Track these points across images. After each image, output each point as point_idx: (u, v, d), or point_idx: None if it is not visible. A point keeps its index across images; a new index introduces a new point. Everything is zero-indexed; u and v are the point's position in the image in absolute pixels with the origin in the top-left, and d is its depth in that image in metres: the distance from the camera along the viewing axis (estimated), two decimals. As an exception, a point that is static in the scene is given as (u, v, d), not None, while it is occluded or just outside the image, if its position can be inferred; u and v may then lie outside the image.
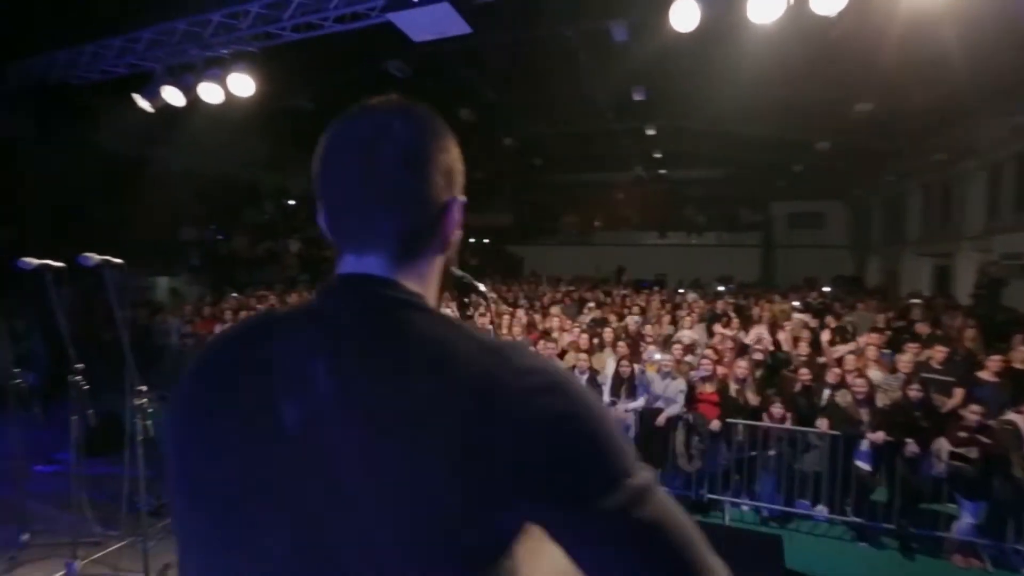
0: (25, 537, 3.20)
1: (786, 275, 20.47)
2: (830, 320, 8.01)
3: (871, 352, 5.68)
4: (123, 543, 3.35)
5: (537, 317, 8.77)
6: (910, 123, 11.92)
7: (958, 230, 13.22)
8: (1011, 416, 4.17)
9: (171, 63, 5.29)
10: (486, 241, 25.31)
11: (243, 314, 7.97)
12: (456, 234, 0.72)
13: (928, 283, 14.93)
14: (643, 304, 10.41)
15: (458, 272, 1.01)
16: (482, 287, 1.11)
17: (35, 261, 2.64)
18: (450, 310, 0.95)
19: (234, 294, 9.20)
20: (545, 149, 19.05)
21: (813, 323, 8.22)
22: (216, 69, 5.05)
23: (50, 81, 6.02)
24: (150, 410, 2.77)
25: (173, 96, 5.24)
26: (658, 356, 5.47)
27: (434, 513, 0.51)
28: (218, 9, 4.90)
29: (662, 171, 21.07)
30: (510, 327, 7.82)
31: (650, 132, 16.38)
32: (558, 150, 18.92)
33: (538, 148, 18.79)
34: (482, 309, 1.18)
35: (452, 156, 0.70)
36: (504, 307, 9.95)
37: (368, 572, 0.52)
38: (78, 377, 2.88)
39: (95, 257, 2.43)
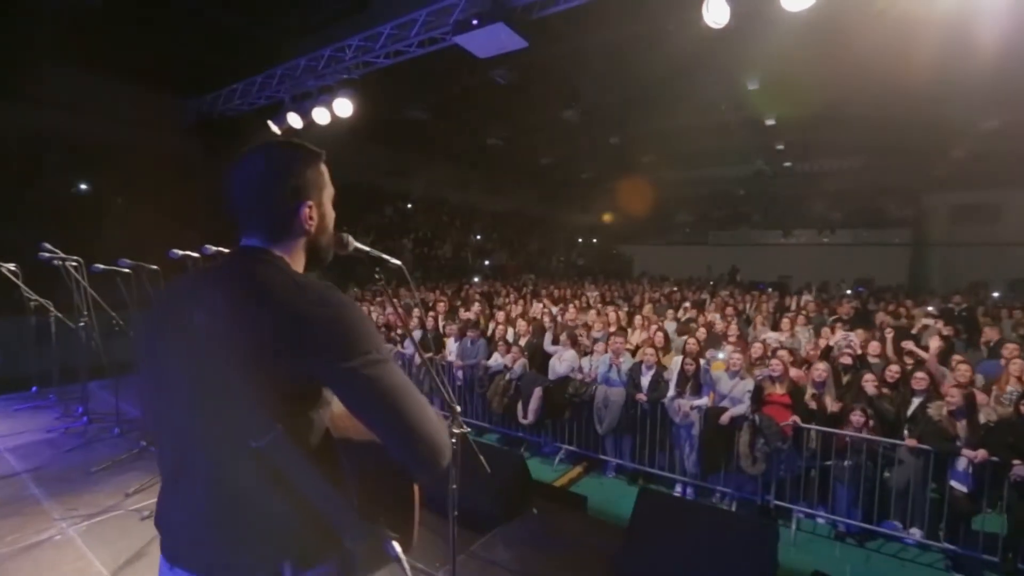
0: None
1: (945, 278, 17.54)
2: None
3: (1014, 366, 4.94)
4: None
5: (622, 314, 8.76)
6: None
7: None
8: None
9: (295, 93, 6.44)
10: (594, 241, 25.29)
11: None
12: (310, 224, 1.15)
13: None
14: (739, 306, 9.85)
15: (364, 248, 1.41)
16: (395, 261, 1.49)
17: (180, 252, 3.55)
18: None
19: (355, 288, 10.53)
20: (654, 146, 18.52)
21: (947, 331, 7.21)
22: (327, 95, 6.04)
23: (214, 114, 7.61)
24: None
25: (295, 121, 6.38)
26: (721, 355, 5.31)
27: (257, 369, 0.96)
28: (328, 45, 5.87)
29: (787, 163, 19.30)
30: (590, 324, 8.01)
31: (769, 122, 15.20)
32: (668, 147, 18.29)
33: (647, 145, 18.33)
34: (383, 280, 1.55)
35: (300, 177, 1.14)
36: (596, 305, 10.10)
37: (226, 401, 0.97)
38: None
39: (212, 248, 3.23)
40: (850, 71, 10.44)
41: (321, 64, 6.12)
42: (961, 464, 4.02)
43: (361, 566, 1.05)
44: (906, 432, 4.29)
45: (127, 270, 4.13)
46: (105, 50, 8.39)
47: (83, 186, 9.22)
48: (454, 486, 1.63)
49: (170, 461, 1.10)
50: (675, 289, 13.78)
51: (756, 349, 5.65)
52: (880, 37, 8.33)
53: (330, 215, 1.21)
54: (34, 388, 5.87)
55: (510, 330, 7.60)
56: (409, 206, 18.26)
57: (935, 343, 5.48)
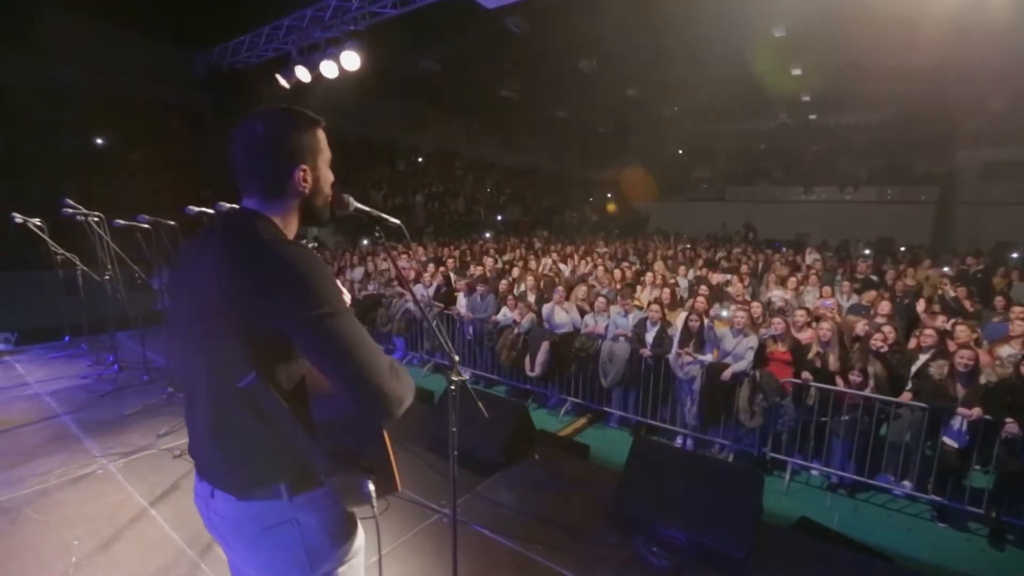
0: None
1: (971, 238, 17.05)
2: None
3: (1017, 327, 4.93)
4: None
5: (630, 272, 8.80)
6: None
7: None
8: None
9: (302, 45, 6.33)
10: (608, 196, 24.90)
11: (368, 259, 9.32)
12: (304, 186, 1.24)
13: None
14: (753, 264, 9.81)
15: (364, 208, 1.49)
16: (393, 220, 1.58)
17: (196, 209, 3.66)
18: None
19: (365, 242, 10.67)
20: (673, 99, 17.88)
21: (956, 292, 7.15)
22: (333, 48, 5.93)
23: (223, 67, 7.53)
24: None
25: (302, 74, 6.30)
26: (725, 313, 5.37)
27: (233, 320, 1.08)
28: (334, -5, 5.73)
29: (812, 116, 18.57)
30: (599, 281, 8.08)
31: (795, 72, 14.58)
32: (687, 99, 17.65)
33: (665, 98, 17.72)
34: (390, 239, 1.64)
35: (294, 142, 1.22)
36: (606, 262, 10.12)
37: (215, 347, 1.13)
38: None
39: (225, 205, 3.31)
40: (880, 15, 9.89)
41: (328, 14, 5.96)
42: (956, 422, 4.11)
43: (346, 500, 1.19)
44: (909, 387, 4.37)
45: (146, 225, 4.28)
46: (116, 1, 8.27)
47: (99, 141, 9.33)
48: (454, 428, 1.76)
49: (186, 395, 1.28)
50: (689, 246, 13.70)
51: (755, 308, 5.68)
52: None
53: (325, 178, 1.29)
54: (67, 337, 6.21)
55: (519, 285, 7.71)
56: (421, 160, 18.10)
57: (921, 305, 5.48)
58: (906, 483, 4.45)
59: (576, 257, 10.37)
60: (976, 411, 3.95)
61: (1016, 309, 5.37)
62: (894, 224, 18.05)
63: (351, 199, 1.42)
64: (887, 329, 4.69)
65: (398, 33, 9.50)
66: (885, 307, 5.58)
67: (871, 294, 6.62)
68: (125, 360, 5.43)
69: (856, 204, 19.50)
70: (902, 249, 15.41)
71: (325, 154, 1.29)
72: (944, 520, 4.21)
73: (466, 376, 1.77)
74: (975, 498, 4.09)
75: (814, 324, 5.39)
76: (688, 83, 15.48)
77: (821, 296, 6.83)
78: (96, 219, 4.62)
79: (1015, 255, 12.49)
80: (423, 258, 9.00)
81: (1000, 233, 16.46)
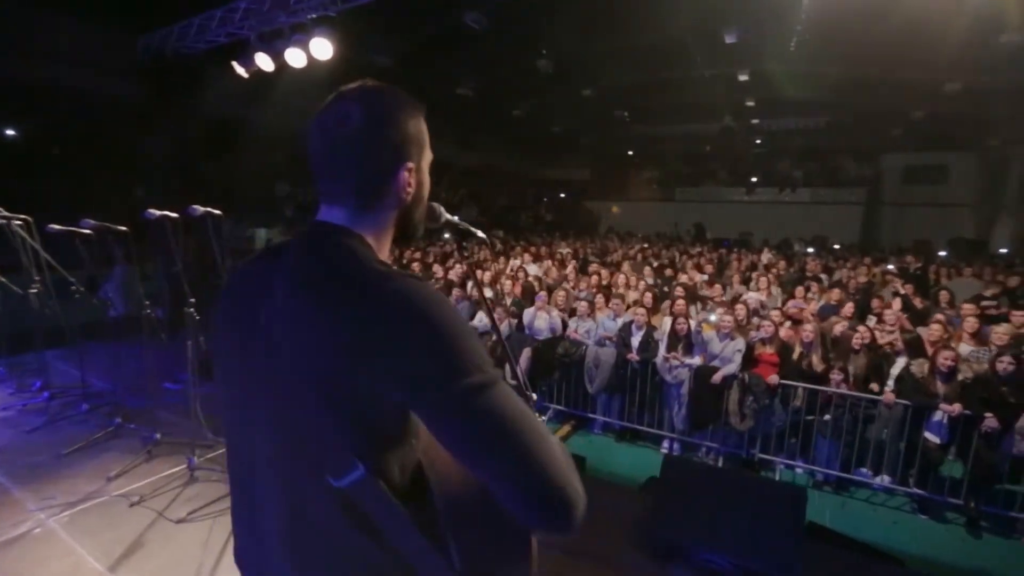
0: (157, 436, 3.92)
1: (894, 237, 18.49)
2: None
3: (969, 324, 5.22)
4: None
5: (605, 273, 8.76)
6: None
7: None
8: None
9: (262, 30, 5.76)
10: (563, 196, 25.05)
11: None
12: (408, 191, 0.92)
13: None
14: (713, 264, 10.06)
15: (454, 219, 1.22)
16: (480, 234, 1.32)
17: (157, 212, 3.17)
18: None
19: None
20: (627, 100, 18.16)
21: (905, 290, 7.60)
22: (300, 35, 5.43)
23: (167, 52, 6.78)
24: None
25: (264, 62, 5.74)
26: (713, 317, 5.39)
27: (329, 389, 0.75)
28: (301, -25, 5.23)
29: (755, 121, 19.44)
30: (575, 284, 7.98)
31: (742, 78, 15.13)
32: (641, 101, 17.97)
33: (619, 99, 17.95)
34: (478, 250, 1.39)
35: (404, 130, 0.89)
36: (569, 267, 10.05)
37: (297, 424, 0.79)
38: (191, 310, 3.45)
39: (200, 209, 2.90)
40: (823, 26, 10.42)
41: (293, -2, 5.46)
42: (936, 417, 4.28)
43: None
44: (887, 388, 4.53)
45: (88, 231, 3.68)
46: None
47: (20, 134, 8.08)
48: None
49: (234, 478, 0.93)
50: (646, 246, 13.93)
51: (740, 310, 5.75)
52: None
53: (427, 183, 0.98)
54: (-21, 359, 5.34)
55: (488, 289, 7.47)
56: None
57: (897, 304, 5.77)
58: (885, 477, 4.62)
59: (545, 260, 10.24)
60: (956, 407, 4.13)
61: (966, 307, 5.75)
62: (827, 223, 19.26)
63: (442, 209, 1.13)
64: (862, 329, 4.85)
65: (348, 25, 8.98)
66: (849, 308, 5.79)
67: (837, 293, 6.88)
68: (56, 385, 4.69)
69: (792, 205, 20.65)
70: (836, 247, 16.48)
71: (428, 152, 0.97)
72: (925, 512, 4.38)
73: (543, 419, 1.52)
74: (954, 490, 4.29)
75: (789, 324, 5.53)
76: (641, 86, 15.77)
77: (794, 296, 7.03)
78: (20, 223, 3.94)
79: (942, 253, 13.56)
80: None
81: (919, 232, 17.96)
